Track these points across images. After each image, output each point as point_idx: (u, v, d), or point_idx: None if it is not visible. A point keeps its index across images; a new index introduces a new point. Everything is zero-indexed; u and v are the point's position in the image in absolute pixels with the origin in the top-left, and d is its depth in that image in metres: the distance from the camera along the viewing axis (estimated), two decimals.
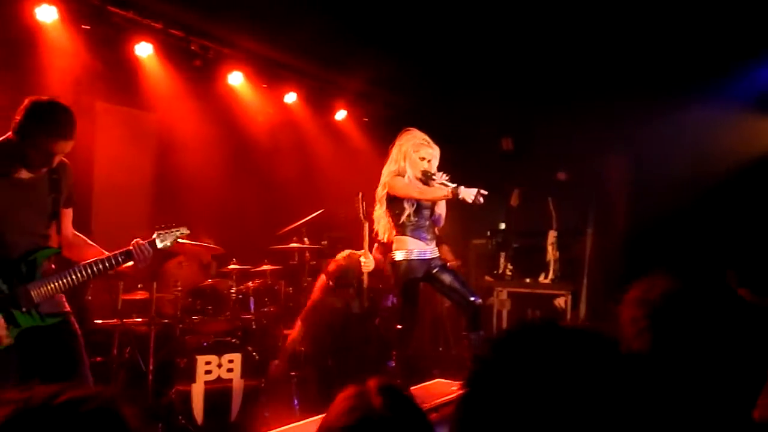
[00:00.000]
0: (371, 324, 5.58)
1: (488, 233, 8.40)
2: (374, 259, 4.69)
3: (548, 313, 7.26)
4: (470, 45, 6.29)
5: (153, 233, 3.13)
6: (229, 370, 4.55)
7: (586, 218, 7.90)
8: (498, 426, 0.86)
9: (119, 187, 6.15)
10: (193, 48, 5.96)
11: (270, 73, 6.76)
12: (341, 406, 1.18)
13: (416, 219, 4.17)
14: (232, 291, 5.09)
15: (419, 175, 4.16)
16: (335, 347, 5.17)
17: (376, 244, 4.76)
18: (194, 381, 4.43)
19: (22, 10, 4.83)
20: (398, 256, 4.17)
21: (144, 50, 5.65)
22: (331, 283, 5.28)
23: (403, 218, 4.16)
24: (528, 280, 7.69)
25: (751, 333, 1.20)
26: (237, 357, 4.58)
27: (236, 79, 6.50)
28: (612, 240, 7.50)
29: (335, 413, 1.18)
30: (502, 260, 8.03)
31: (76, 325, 3.00)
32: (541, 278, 7.61)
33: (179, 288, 4.97)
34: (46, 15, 4.90)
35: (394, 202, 4.20)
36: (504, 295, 7.63)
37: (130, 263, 3.04)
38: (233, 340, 4.71)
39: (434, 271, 4.23)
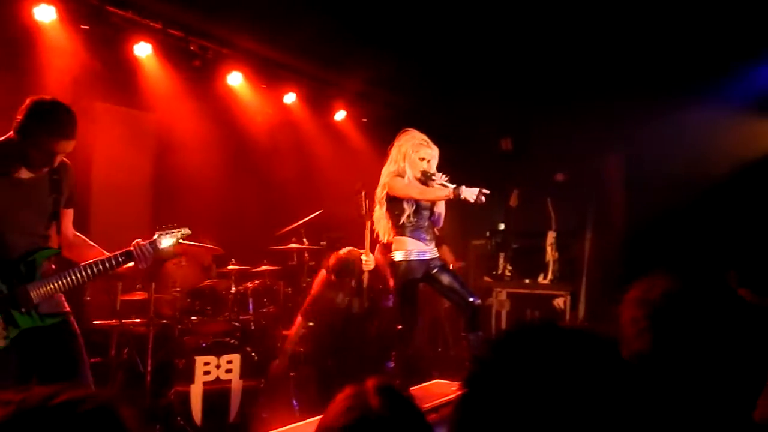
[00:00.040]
0: (371, 324, 5.58)
1: (487, 234, 8.41)
2: (375, 259, 4.70)
3: (547, 313, 7.27)
4: (469, 45, 6.29)
5: (154, 234, 3.12)
6: (228, 371, 4.54)
7: (585, 219, 7.91)
8: (497, 427, 0.86)
9: (118, 187, 6.15)
10: (192, 48, 5.96)
11: (269, 74, 6.76)
12: (339, 406, 1.18)
13: (416, 219, 4.17)
14: (231, 291, 5.08)
15: (419, 176, 4.16)
16: (335, 347, 5.17)
17: (378, 245, 4.76)
18: (193, 382, 4.42)
19: (20, 9, 4.82)
20: (398, 256, 4.17)
21: (143, 50, 5.64)
22: (332, 276, 5.27)
23: (403, 219, 4.16)
24: (527, 281, 7.70)
25: (751, 333, 1.20)
26: (236, 358, 4.57)
27: (235, 80, 6.50)
28: (611, 240, 7.50)
29: (333, 413, 1.18)
30: (501, 261, 8.04)
31: (76, 326, 3.00)
32: (540, 279, 7.61)
33: (178, 288, 4.96)
34: (45, 15, 4.90)
35: (394, 203, 4.20)
36: (503, 296, 7.64)
37: (131, 264, 3.03)
38: (232, 341, 4.71)
39: (433, 271, 4.23)
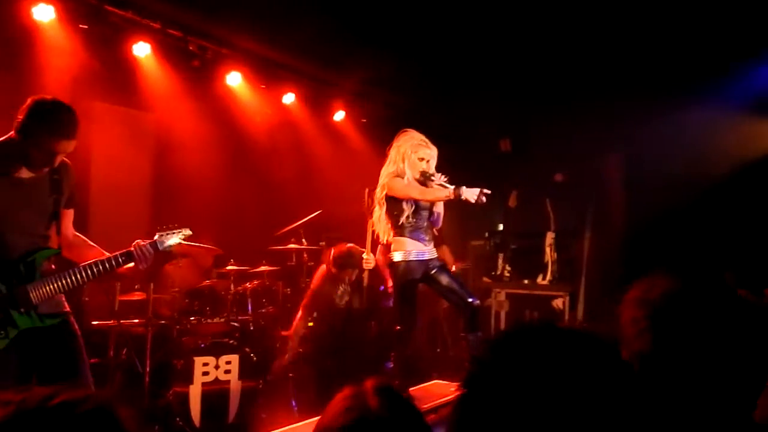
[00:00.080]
0: (370, 324, 5.59)
1: (486, 234, 8.41)
2: (376, 260, 4.71)
3: (546, 314, 7.27)
4: (468, 45, 6.28)
5: (154, 234, 3.12)
6: (227, 372, 4.53)
7: (584, 219, 7.91)
8: (495, 427, 0.86)
9: (117, 187, 6.14)
10: (191, 48, 5.96)
11: (268, 74, 6.76)
12: (338, 407, 1.18)
13: (415, 220, 4.17)
14: (230, 292, 5.08)
15: (418, 176, 4.16)
16: (334, 348, 5.18)
17: (380, 246, 4.76)
18: (191, 382, 4.42)
19: (19, 9, 4.82)
20: (397, 257, 4.17)
21: (142, 50, 5.64)
22: (332, 268, 5.29)
23: (402, 219, 4.16)
24: (526, 282, 7.70)
25: (751, 333, 1.20)
26: (234, 358, 4.57)
27: (234, 80, 6.50)
28: (610, 241, 7.50)
29: (332, 413, 1.18)
30: (500, 261, 8.04)
31: (76, 326, 2.99)
32: (539, 279, 7.62)
33: (176, 289, 4.95)
34: (43, 14, 4.90)
35: (393, 204, 4.19)
36: (502, 296, 7.64)
37: (131, 264, 3.02)
38: (231, 341, 4.70)
39: (432, 272, 4.23)
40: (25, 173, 2.85)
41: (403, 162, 4.17)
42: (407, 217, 4.15)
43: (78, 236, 3.15)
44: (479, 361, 0.92)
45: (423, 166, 4.16)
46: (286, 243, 5.84)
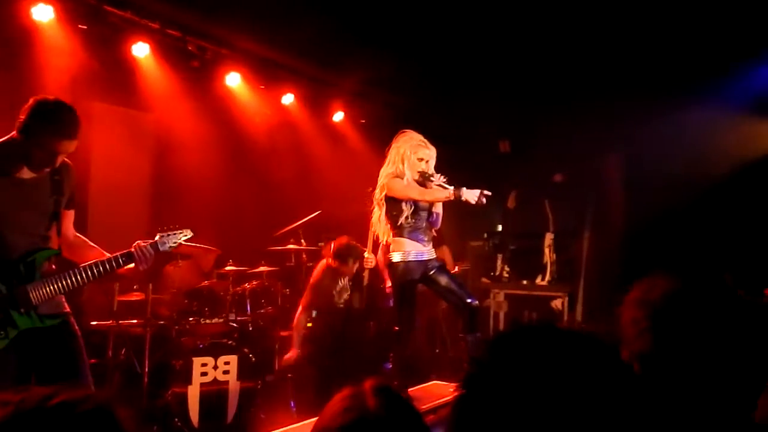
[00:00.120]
0: (370, 325, 5.59)
1: (485, 235, 8.41)
2: (376, 259, 4.71)
3: (545, 314, 7.27)
4: (468, 46, 6.29)
5: (155, 235, 3.12)
6: (225, 372, 4.53)
7: (583, 220, 7.91)
8: (494, 428, 0.86)
9: (116, 187, 6.14)
10: (190, 48, 5.96)
11: (267, 74, 6.76)
12: (336, 407, 1.18)
13: (414, 220, 4.17)
14: (229, 292, 5.08)
15: (417, 177, 4.16)
16: (333, 348, 5.18)
17: (381, 246, 4.77)
18: (190, 383, 4.41)
19: (18, 9, 4.81)
20: (396, 257, 4.17)
21: (141, 50, 5.64)
22: (332, 261, 5.30)
23: (401, 220, 4.16)
24: (525, 282, 7.70)
25: (752, 334, 1.20)
26: (233, 359, 4.57)
27: (234, 80, 6.50)
28: (609, 241, 7.51)
29: (330, 414, 1.18)
30: (499, 262, 8.04)
31: (77, 327, 2.99)
32: (538, 280, 7.62)
33: (175, 289, 4.95)
34: (43, 14, 4.89)
35: (392, 204, 4.19)
36: (501, 297, 7.64)
37: (131, 265, 3.02)
38: (229, 342, 4.70)
39: (431, 272, 4.23)
40: (26, 173, 2.85)
41: (403, 163, 4.17)
42: (406, 217, 4.15)
43: (78, 237, 3.14)
44: (478, 361, 0.92)
45: (422, 166, 4.16)
46: (285, 243, 5.83)
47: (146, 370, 4.61)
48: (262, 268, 5.54)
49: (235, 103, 6.71)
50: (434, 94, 7.36)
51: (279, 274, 5.81)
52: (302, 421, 3.90)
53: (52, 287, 2.84)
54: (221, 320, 4.94)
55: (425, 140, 4.24)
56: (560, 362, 0.87)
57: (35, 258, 2.85)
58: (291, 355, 5.23)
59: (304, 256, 5.94)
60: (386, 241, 4.31)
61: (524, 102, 7.19)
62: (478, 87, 6.87)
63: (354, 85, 7.26)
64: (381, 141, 4.52)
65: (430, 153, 4.21)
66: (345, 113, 7.76)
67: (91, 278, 2.92)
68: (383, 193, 4.21)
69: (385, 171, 4.24)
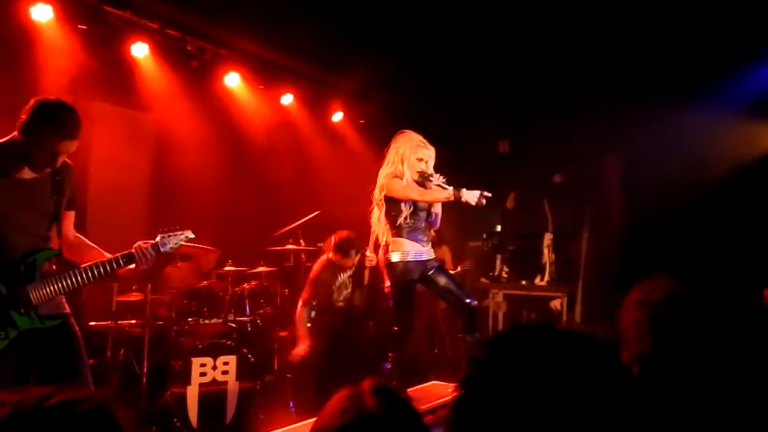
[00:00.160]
0: (368, 324, 5.60)
1: (484, 235, 8.42)
2: (377, 259, 4.71)
3: (544, 315, 7.27)
4: (467, 46, 6.29)
5: (155, 235, 3.11)
6: (224, 372, 4.53)
7: (582, 220, 7.92)
8: (493, 428, 0.86)
9: (115, 187, 6.14)
10: (189, 48, 5.96)
11: (266, 75, 6.76)
12: (335, 407, 1.18)
13: (413, 221, 4.17)
14: (228, 293, 5.08)
15: (416, 177, 4.16)
16: (333, 348, 5.17)
17: (382, 246, 4.78)
18: (189, 383, 4.41)
19: (17, 9, 4.81)
20: (394, 257, 4.16)
21: (140, 50, 5.64)
22: (333, 254, 5.30)
23: (400, 220, 4.15)
24: (524, 283, 7.70)
25: (753, 335, 1.20)
26: (232, 359, 4.56)
27: (233, 80, 6.50)
28: (608, 242, 7.51)
29: (329, 414, 1.17)
30: (498, 262, 8.04)
31: (77, 327, 2.99)
32: (537, 280, 7.62)
33: (174, 290, 4.94)
34: (42, 14, 4.89)
35: (391, 204, 4.19)
36: (500, 297, 7.64)
37: (132, 266, 3.02)
38: (228, 342, 4.70)
39: (430, 272, 4.23)
40: (27, 173, 2.85)
41: (402, 163, 4.16)
42: (405, 218, 4.14)
43: (79, 237, 3.14)
44: (477, 362, 0.92)
45: (421, 166, 4.16)
46: (284, 244, 5.83)
47: (145, 370, 4.60)
48: (261, 269, 5.54)
49: (234, 104, 6.71)
50: (433, 94, 7.36)
51: (278, 275, 5.81)
52: (301, 421, 3.90)
53: (52, 288, 2.84)
54: (220, 320, 4.94)
55: (424, 140, 4.24)
56: (559, 363, 0.87)
57: (36, 258, 2.85)
58: (301, 348, 5.20)
59: (303, 256, 5.94)
60: (385, 242, 4.31)
61: (523, 102, 7.19)
62: (477, 87, 6.87)
63: (353, 85, 7.26)
64: (380, 141, 4.52)
65: (430, 153, 4.21)
66: (344, 113, 7.76)
67: (91, 279, 2.92)
68: (382, 194, 4.21)
69: (384, 171, 4.23)
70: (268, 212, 6.65)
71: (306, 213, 5.95)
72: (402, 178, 4.15)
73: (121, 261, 2.97)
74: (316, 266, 5.47)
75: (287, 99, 7.12)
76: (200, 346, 4.57)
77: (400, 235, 4.17)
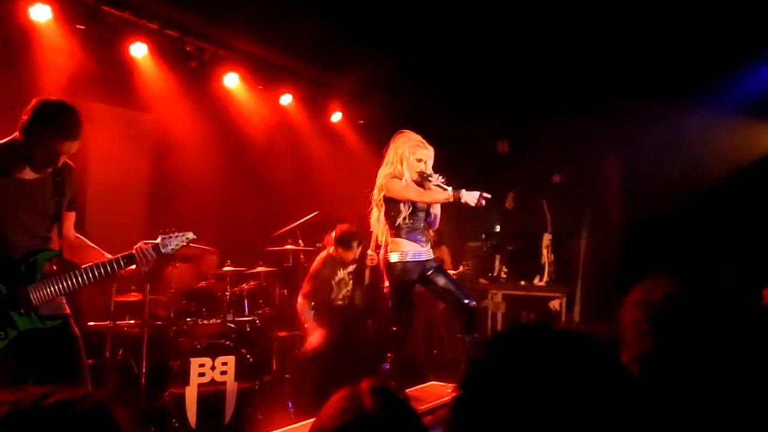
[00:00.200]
0: (367, 324, 5.60)
1: (483, 236, 8.42)
2: (378, 258, 4.72)
3: (543, 315, 7.27)
4: (466, 46, 6.29)
5: (157, 236, 3.11)
6: (223, 373, 4.53)
7: (581, 220, 7.92)
8: (492, 429, 0.86)
9: (114, 188, 6.13)
10: (188, 49, 5.95)
11: (265, 75, 6.76)
12: (334, 408, 1.18)
13: (411, 221, 4.17)
14: (227, 293, 5.07)
15: (416, 177, 4.16)
16: (332, 348, 5.17)
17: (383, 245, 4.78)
18: (188, 383, 4.40)
19: (15, 9, 4.80)
20: (393, 257, 4.16)
21: (139, 51, 5.64)
22: (335, 248, 5.30)
23: (399, 220, 4.15)
24: (523, 283, 7.71)
25: (753, 335, 1.20)
26: (231, 359, 4.56)
27: (232, 81, 6.50)
28: (607, 242, 7.51)
29: (327, 414, 1.17)
30: (496, 263, 8.05)
31: (76, 328, 2.99)
32: (536, 281, 7.63)
33: (173, 290, 4.94)
34: (40, 14, 4.88)
35: (390, 205, 4.19)
36: (499, 298, 7.65)
37: (133, 267, 3.02)
38: (227, 343, 4.69)
39: (429, 273, 4.23)
40: (28, 174, 2.85)
41: (401, 164, 4.16)
42: (404, 218, 4.14)
43: (79, 238, 3.14)
44: (476, 362, 0.92)
45: (421, 166, 4.16)
46: (283, 244, 5.83)
47: (143, 370, 4.59)
48: (259, 269, 5.54)
49: (233, 104, 6.70)
50: (432, 94, 7.36)
51: (277, 275, 5.81)
52: (300, 421, 3.90)
53: (52, 288, 2.84)
54: (219, 321, 4.94)
55: (423, 140, 4.24)
56: (558, 363, 0.87)
57: (36, 259, 2.85)
58: (315, 335, 5.18)
59: (301, 256, 5.93)
60: (384, 242, 4.31)
61: (523, 103, 7.19)
62: (476, 87, 6.87)
63: (352, 85, 7.26)
64: (379, 141, 4.52)
65: (429, 153, 4.21)
66: (343, 114, 7.76)
67: (92, 280, 2.91)
68: (381, 194, 4.21)
69: (383, 172, 4.23)
70: (266, 212, 6.65)
71: (305, 213, 5.95)
72: (401, 179, 4.15)
73: (121, 262, 2.97)
74: (316, 262, 5.49)
75: (286, 99, 7.12)
76: (199, 347, 4.57)
77: (398, 236, 4.17)
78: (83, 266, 2.92)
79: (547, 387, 0.84)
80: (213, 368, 4.50)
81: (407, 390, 4.22)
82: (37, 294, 2.81)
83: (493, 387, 0.88)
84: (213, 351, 4.54)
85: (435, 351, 7.17)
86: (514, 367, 0.88)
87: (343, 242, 5.29)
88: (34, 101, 2.79)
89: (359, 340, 5.35)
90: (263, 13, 5.38)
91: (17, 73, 4.84)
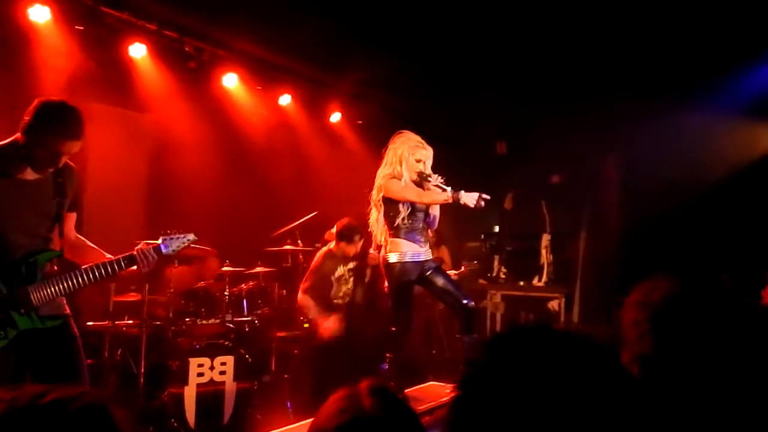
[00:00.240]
0: (368, 325, 5.59)
1: (482, 236, 8.42)
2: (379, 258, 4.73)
3: (542, 316, 7.27)
4: (465, 47, 6.29)
5: (158, 237, 3.10)
6: (222, 373, 4.52)
7: (580, 221, 7.93)
8: (491, 429, 0.86)
9: (113, 188, 6.13)
10: (187, 49, 5.95)
11: (264, 75, 6.76)
12: (332, 407, 1.18)
13: (410, 222, 4.17)
14: (225, 293, 5.07)
15: (415, 178, 4.16)
16: (332, 348, 5.17)
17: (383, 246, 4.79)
18: (186, 384, 4.40)
19: (14, 9, 4.80)
20: (392, 258, 4.16)
21: (138, 51, 5.63)
22: (336, 243, 5.30)
23: (398, 221, 4.15)
24: (522, 283, 7.70)
25: (753, 335, 1.20)
26: (230, 359, 4.56)
27: (231, 81, 6.49)
28: (606, 242, 7.52)
29: (326, 414, 1.17)
30: (495, 263, 8.05)
31: (76, 329, 2.98)
32: (535, 281, 7.62)
33: (172, 290, 4.94)
34: (39, 15, 4.88)
35: (389, 205, 4.19)
36: (498, 298, 7.65)
37: (133, 268, 3.01)
38: (226, 343, 4.69)
39: (428, 273, 4.23)
40: (29, 174, 2.85)
41: (401, 164, 4.16)
42: (403, 219, 4.14)
43: (80, 238, 3.14)
44: (474, 363, 0.92)
45: (420, 167, 4.16)
46: (282, 244, 5.82)
47: (142, 370, 4.59)
48: (258, 269, 5.54)
49: (232, 104, 6.70)
50: (432, 94, 7.36)
51: (276, 275, 5.81)
52: (299, 421, 3.90)
53: (53, 289, 2.84)
54: (218, 321, 4.94)
55: (422, 141, 4.24)
56: (557, 364, 0.87)
57: (37, 259, 2.85)
58: (330, 321, 5.18)
59: (300, 256, 5.93)
60: (383, 242, 4.31)
61: (521, 103, 7.20)
62: (475, 88, 6.87)
63: (351, 85, 7.26)
64: (378, 142, 4.51)
65: (428, 153, 4.21)
66: (342, 114, 7.76)
67: (92, 280, 2.92)
68: (380, 195, 4.21)
69: (383, 172, 4.23)
70: (265, 213, 6.64)
71: (304, 213, 5.95)
72: (400, 179, 4.15)
73: (122, 263, 2.97)
74: (317, 257, 5.50)
75: (285, 100, 7.11)
76: (198, 347, 4.56)
77: (397, 236, 4.17)
78: (84, 267, 2.92)
79: (546, 388, 0.84)
80: (212, 368, 4.50)
81: (406, 390, 4.22)
82: (38, 294, 2.81)
83: (492, 387, 0.87)
84: (212, 351, 4.54)
85: (434, 351, 7.17)
86: (513, 368, 0.88)
87: (344, 236, 5.29)
88: (35, 101, 2.79)
89: (358, 340, 5.35)
90: (262, 13, 5.38)
91: (16, 73, 4.84)
